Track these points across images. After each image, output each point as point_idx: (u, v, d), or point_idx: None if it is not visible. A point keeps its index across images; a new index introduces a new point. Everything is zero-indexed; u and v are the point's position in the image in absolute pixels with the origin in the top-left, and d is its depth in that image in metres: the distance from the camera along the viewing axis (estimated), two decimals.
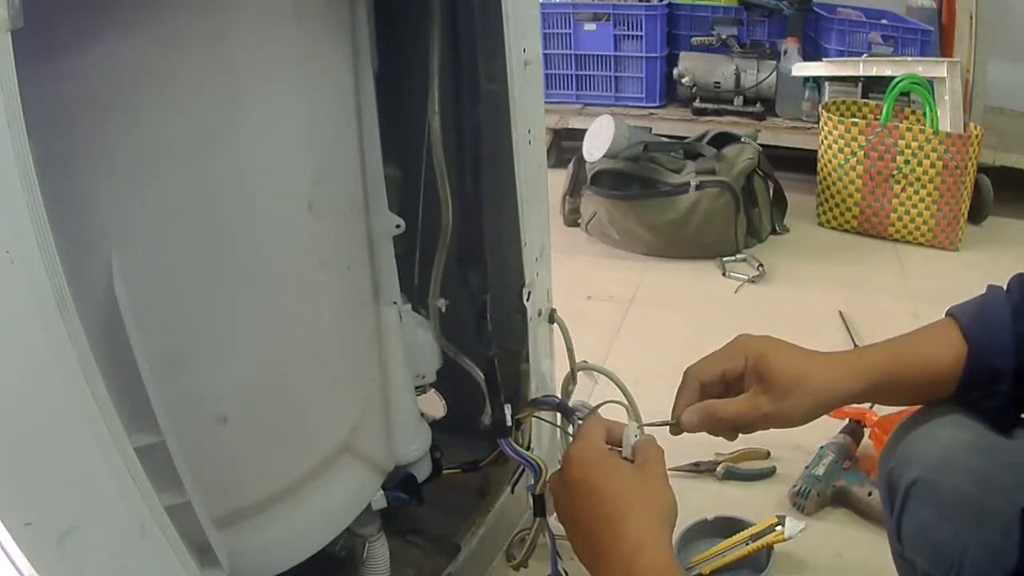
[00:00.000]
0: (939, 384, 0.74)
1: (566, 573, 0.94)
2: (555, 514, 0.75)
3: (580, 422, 0.90)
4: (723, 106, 2.72)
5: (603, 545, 0.65)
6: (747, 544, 1.16)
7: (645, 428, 0.77)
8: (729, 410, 0.74)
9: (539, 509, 0.89)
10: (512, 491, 1.13)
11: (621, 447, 0.74)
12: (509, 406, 1.00)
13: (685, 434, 0.79)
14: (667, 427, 0.78)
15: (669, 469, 0.74)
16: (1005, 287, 0.75)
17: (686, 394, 0.77)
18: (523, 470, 1.13)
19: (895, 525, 0.77)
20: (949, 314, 0.76)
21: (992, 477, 0.71)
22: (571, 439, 0.91)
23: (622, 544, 0.64)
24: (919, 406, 0.79)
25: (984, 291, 0.77)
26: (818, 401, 0.73)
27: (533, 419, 1.11)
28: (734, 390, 0.77)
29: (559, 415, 0.97)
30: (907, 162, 2.18)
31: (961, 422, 0.74)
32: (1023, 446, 0.72)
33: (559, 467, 0.74)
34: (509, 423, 0.98)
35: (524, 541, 0.93)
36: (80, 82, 0.57)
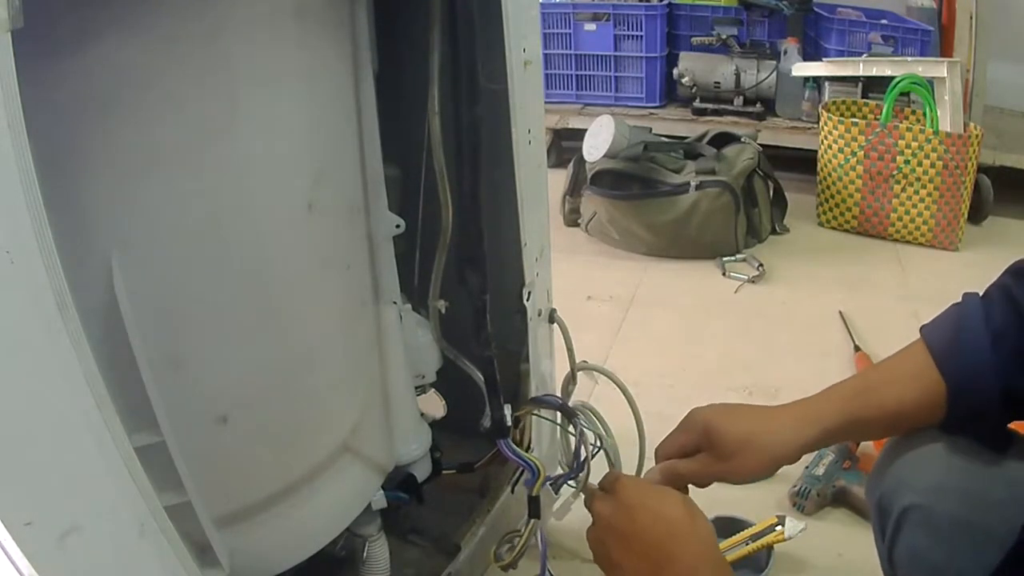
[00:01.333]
0: (914, 418, 0.73)
1: (552, 574, 0.94)
2: (586, 531, 0.77)
3: (583, 426, 0.90)
4: (723, 106, 2.72)
5: (666, 555, 0.68)
6: (747, 544, 1.16)
7: None
8: (685, 467, 0.78)
9: (534, 510, 0.89)
10: (512, 491, 1.13)
11: None
12: (509, 406, 1.00)
13: None
14: None
15: None
16: (982, 293, 0.74)
17: (659, 474, 0.81)
18: (522, 471, 1.13)
19: (887, 550, 0.77)
20: (922, 335, 0.75)
21: (987, 496, 0.70)
22: (571, 439, 0.91)
23: (685, 552, 0.68)
24: None
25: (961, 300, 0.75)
26: (770, 456, 0.75)
27: (533, 420, 1.11)
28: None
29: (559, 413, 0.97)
30: (907, 162, 2.18)
31: (953, 443, 0.73)
32: (1016, 461, 0.72)
33: (604, 493, 0.76)
34: (509, 422, 0.98)
35: (511, 543, 0.92)
36: (80, 82, 0.57)
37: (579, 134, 2.42)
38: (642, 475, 0.82)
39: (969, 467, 0.71)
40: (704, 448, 0.77)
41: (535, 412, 1.03)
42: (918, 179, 2.18)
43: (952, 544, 0.71)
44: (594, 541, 0.75)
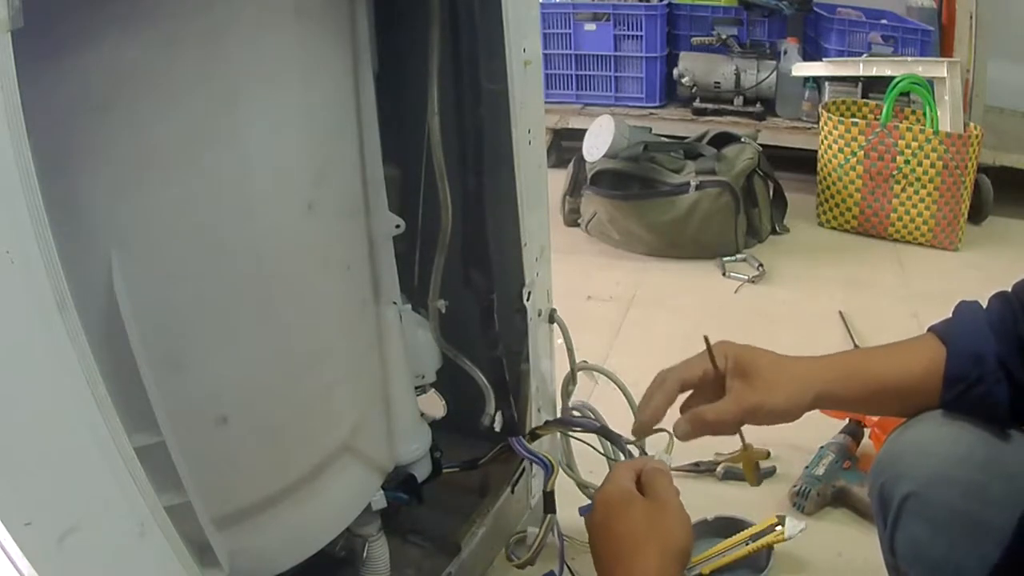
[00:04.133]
0: (919, 388, 0.75)
1: (570, 570, 0.94)
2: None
3: (628, 448, 0.90)
4: (723, 106, 2.72)
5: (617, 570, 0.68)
6: (747, 544, 1.16)
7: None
8: (717, 410, 0.75)
9: (549, 506, 0.89)
10: (512, 491, 1.13)
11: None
12: (500, 411, 1.00)
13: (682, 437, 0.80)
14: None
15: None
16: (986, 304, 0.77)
17: (667, 391, 0.77)
18: (523, 471, 1.13)
19: (888, 539, 0.77)
20: (928, 330, 0.78)
21: (987, 490, 0.70)
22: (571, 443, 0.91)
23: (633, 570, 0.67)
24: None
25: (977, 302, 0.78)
26: (798, 389, 0.74)
27: (533, 417, 1.11)
28: (713, 394, 0.77)
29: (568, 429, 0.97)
30: (907, 162, 2.18)
31: (955, 434, 0.73)
32: (1017, 457, 0.72)
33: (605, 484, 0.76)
34: (497, 427, 0.98)
35: (524, 541, 0.93)
36: (80, 82, 0.57)
37: (579, 134, 2.42)
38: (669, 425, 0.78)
39: (970, 459, 0.72)
40: (733, 382, 0.76)
41: (566, 432, 1.02)
42: (918, 179, 2.18)
43: (951, 535, 0.71)
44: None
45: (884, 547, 0.79)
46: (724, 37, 2.69)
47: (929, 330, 0.78)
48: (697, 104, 2.74)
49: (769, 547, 1.16)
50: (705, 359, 0.78)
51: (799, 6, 2.63)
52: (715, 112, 2.72)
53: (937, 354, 0.74)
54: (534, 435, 0.99)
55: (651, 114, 2.80)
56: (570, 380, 1.14)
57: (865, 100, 2.41)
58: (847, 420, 1.41)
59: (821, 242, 2.35)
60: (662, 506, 0.72)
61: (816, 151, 2.39)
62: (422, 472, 0.98)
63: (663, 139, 2.43)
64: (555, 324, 1.12)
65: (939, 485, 0.72)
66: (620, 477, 0.76)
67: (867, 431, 1.41)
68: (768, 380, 0.74)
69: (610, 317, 1.98)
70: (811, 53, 2.63)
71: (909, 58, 2.31)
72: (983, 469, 0.71)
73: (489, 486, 1.14)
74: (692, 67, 2.73)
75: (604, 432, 0.92)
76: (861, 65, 2.35)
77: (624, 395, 1.11)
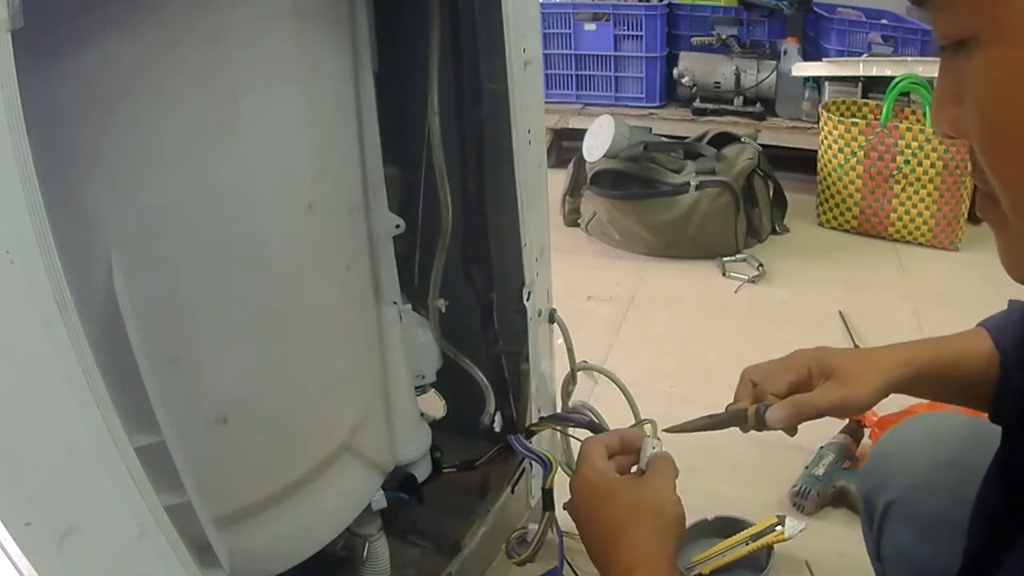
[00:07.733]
0: (974, 383, 0.75)
1: (571, 567, 0.94)
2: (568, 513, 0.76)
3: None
4: (723, 106, 2.73)
5: (605, 566, 0.67)
6: (747, 544, 1.16)
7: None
8: (812, 403, 0.78)
9: (548, 503, 0.90)
10: (512, 491, 1.13)
11: (630, 453, 0.75)
12: (500, 411, 1.00)
13: (678, 430, 0.81)
14: (736, 427, 0.81)
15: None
16: None
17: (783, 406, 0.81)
18: (523, 470, 1.13)
19: (874, 546, 0.78)
20: (979, 325, 0.78)
21: (968, 494, 0.71)
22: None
23: (619, 564, 0.66)
24: (931, 410, 0.79)
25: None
26: (876, 383, 0.77)
27: (533, 415, 1.11)
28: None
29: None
30: (907, 162, 2.18)
31: (940, 439, 0.74)
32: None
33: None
34: (498, 427, 0.98)
35: (525, 538, 0.93)
36: (80, 82, 0.57)
37: (579, 134, 2.42)
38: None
39: (955, 462, 0.72)
40: (817, 381, 0.80)
41: (557, 429, 1.02)
42: (918, 179, 2.19)
43: (936, 541, 0.71)
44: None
45: (871, 553, 0.80)
46: (724, 37, 2.69)
47: (979, 324, 0.77)
48: (697, 104, 2.75)
49: (769, 547, 1.16)
50: (789, 370, 0.80)
51: (799, 6, 2.64)
52: (715, 112, 2.73)
53: (992, 360, 0.74)
54: (530, 432, 0.99)
55: (651, 114, 2.81)
56: (570, 380, 1.14)
57: (865, 100, 2.41)
58: (847, 420, 1.41)
59: (821, 242, 2.35)
60: (652, 486, 0.70)
61: (816, 151, 2.39)
62: (422, 472, 0.98)
63: (663, 139, 2.43)
64: (555, 324, 1.12)
65: (922, 491, 0.73)
66: (593, 456, 0.74)
67: (867, 431, 1.41)
68: (852, 375, 0.78)
69: (610, 317, 1.98)
70: (811, 53, 2.64)
71: (909, 58, 2.31)
72: (967, 472, 0.71)
73: (489, 486, 1.14)
74: (692, 67, 2.73)
75: (591, 427, 0.92)
76: (861, 65, 2.35)
77: (624, 395, 1.11)
